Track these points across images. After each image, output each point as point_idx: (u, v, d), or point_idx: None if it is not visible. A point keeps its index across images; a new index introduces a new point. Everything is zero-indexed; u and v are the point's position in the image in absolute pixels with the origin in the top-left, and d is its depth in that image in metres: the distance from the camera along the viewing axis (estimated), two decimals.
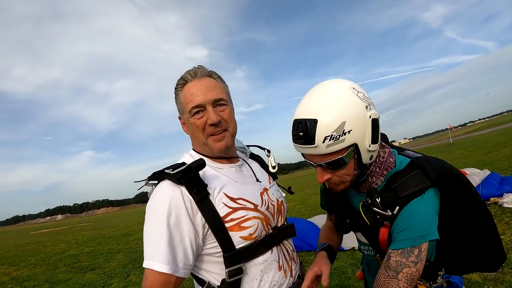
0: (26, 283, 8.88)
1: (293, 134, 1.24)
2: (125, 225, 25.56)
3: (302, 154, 1.31)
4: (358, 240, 1.64)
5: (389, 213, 1.29)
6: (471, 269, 1.49)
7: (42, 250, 16.58)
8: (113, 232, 21.49)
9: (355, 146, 1.22)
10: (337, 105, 1.17)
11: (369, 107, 1.23)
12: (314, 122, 1.15)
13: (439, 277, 1.43)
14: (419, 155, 1.45)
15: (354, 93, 1.21)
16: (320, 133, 1.15)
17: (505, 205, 6.81)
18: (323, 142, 1.16)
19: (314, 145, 1.17)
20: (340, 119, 1.15)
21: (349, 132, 1.16)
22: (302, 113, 1.20)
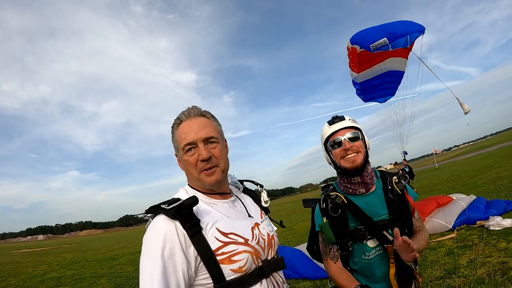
0: None
1: (330, 121, 2.09)
2: (109, 249, 25.11)
3: (330, 137, 2.06)
4: (364, 248, 2.02)
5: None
6: None
7: (23, 270, 16.22)
8: (96, 255, 21.09)
9: (361, 132, 2.06)
10: None
11: None
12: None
13: None
14: None
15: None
16: (346, 117, 2.09)
17: (491, 228, 7.02)
18: (349, 120, 2.06)
19: (344, 120, 2.06)
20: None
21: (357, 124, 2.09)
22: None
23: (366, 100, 8.12)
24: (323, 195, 2.09)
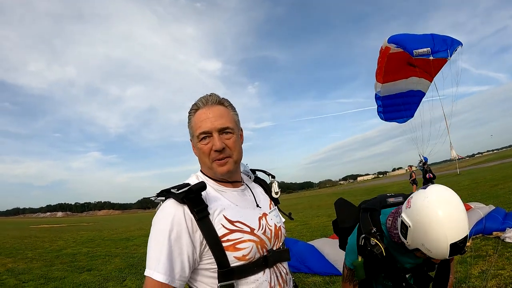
0: (21, 276, 8.97)
1: (454, 252, 1.56)
2: (125, 230, 25.51)
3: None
4: (388, 282, 2.08)
5: None
6: None
7: (40, 245, 16.72)
8: (112, 235, 21.53)
9: None
10: (465, 217, 1.58)
11: None
12: (466, 237, 1.56)
13: None
14: None
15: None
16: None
17: (507, 240, 6.84)
18: None
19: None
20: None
21: None
22: (458, 234, 1.55)
23: (386, 119, 8.22)
24: (364, 235, 1.95)
